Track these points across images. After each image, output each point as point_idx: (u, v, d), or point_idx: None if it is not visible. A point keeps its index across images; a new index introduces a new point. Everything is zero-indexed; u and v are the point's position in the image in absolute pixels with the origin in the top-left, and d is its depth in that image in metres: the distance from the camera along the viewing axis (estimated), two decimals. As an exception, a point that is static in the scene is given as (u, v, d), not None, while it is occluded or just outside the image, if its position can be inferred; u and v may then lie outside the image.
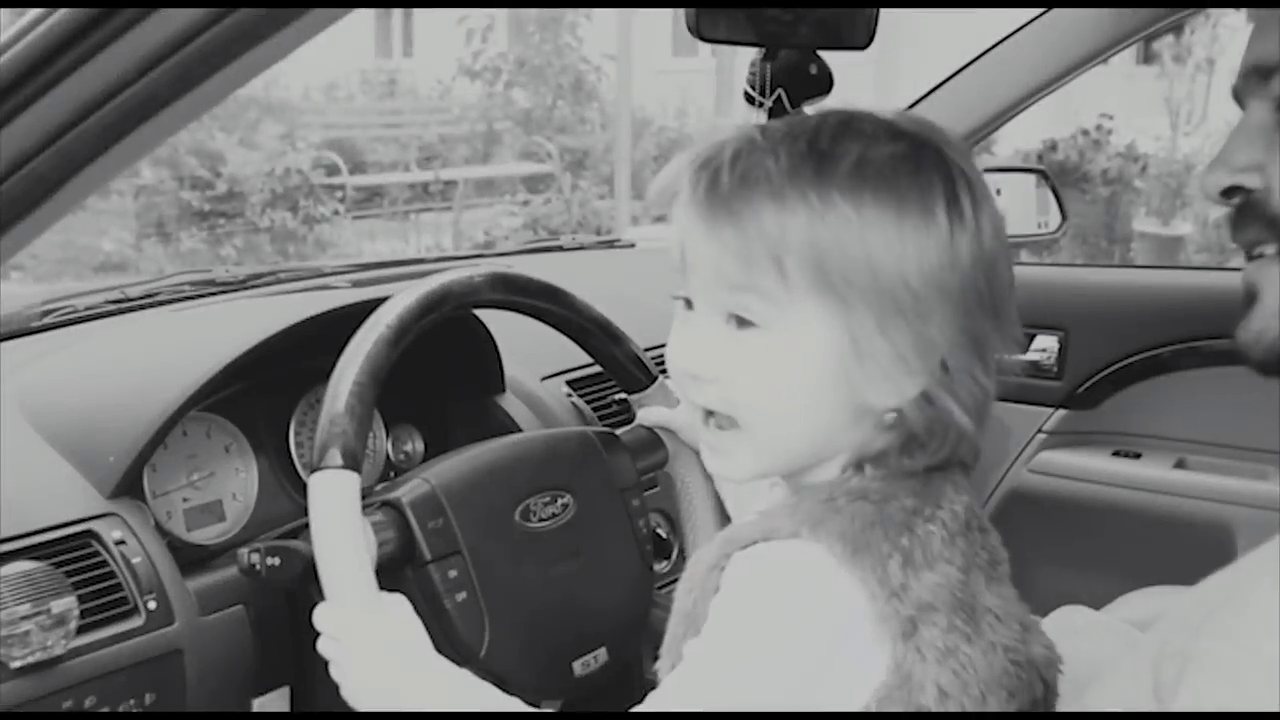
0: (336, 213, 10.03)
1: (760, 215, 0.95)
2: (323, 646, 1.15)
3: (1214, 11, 10.14)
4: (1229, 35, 10.68)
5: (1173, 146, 10.53)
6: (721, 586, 0.99)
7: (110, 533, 1.35)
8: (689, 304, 1.02)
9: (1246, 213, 1.06)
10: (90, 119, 1.00)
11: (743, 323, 0.98)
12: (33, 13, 1.01)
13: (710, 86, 14.12)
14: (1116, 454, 2.47)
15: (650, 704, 0.98)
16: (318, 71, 13.08)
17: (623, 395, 1.61)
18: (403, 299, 1.31)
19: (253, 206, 9.51)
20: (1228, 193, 1.07)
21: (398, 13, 17.01)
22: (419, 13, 16.40)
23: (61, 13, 0.98)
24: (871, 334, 0.95)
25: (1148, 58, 12.06)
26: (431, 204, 10.87)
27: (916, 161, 0.96)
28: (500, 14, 12.72)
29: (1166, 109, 10.78)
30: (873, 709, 0.95)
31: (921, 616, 0.95)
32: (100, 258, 8.50)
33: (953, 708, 0.96)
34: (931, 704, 0.95)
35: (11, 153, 1.02)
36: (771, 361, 0.97)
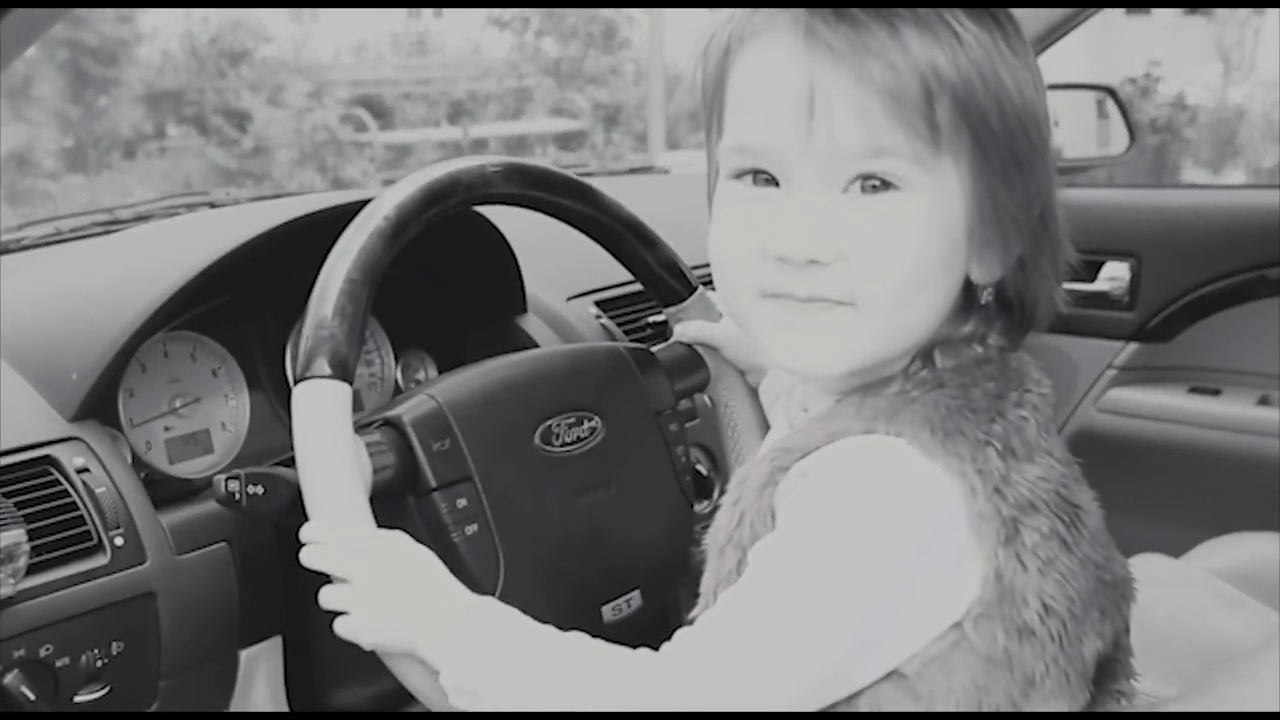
0: (365, 173, 9.90)
1: (909, 46, 0.79)
2: (312, 559, 0.98)
3: (1266, -45, 9.91)
4: (1282, -21, 10.42)
5: (1223, 95, 10.29)
6: (784, 499, 0.84)
7: (71, 459, 1.18)
8: (772, 180, 0.84)
9: None
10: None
11: (876, 187, 0.82)
12: None
13: (745, 42, 13.89)
14: (1194, 390, 2.32)
15: (703, 621, 0.85)
16: (347, 33, 12.96)
17: (657, 318, 1.43)
18: (403, 188, 1.13)
19: (280, 165, 9.40)
20: None
21: (427, -30, 16.82)
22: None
23: None
24: (999, 188, 0.82)
25: (1195, 7, 11.80)
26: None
27: None
28: (530, -37, 12.55)
29: (1218, 56, 10.54)
30: (968, 629, 0.82)
31: (1023, 518, 0.82)
32: (129, 219, 8.39)
33: (1053, 626, 0.84)
34: (1035, 621, 0.83)
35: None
36: (910, 228, 0.82)
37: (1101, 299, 2.34)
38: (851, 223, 0.82)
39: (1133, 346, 2.35)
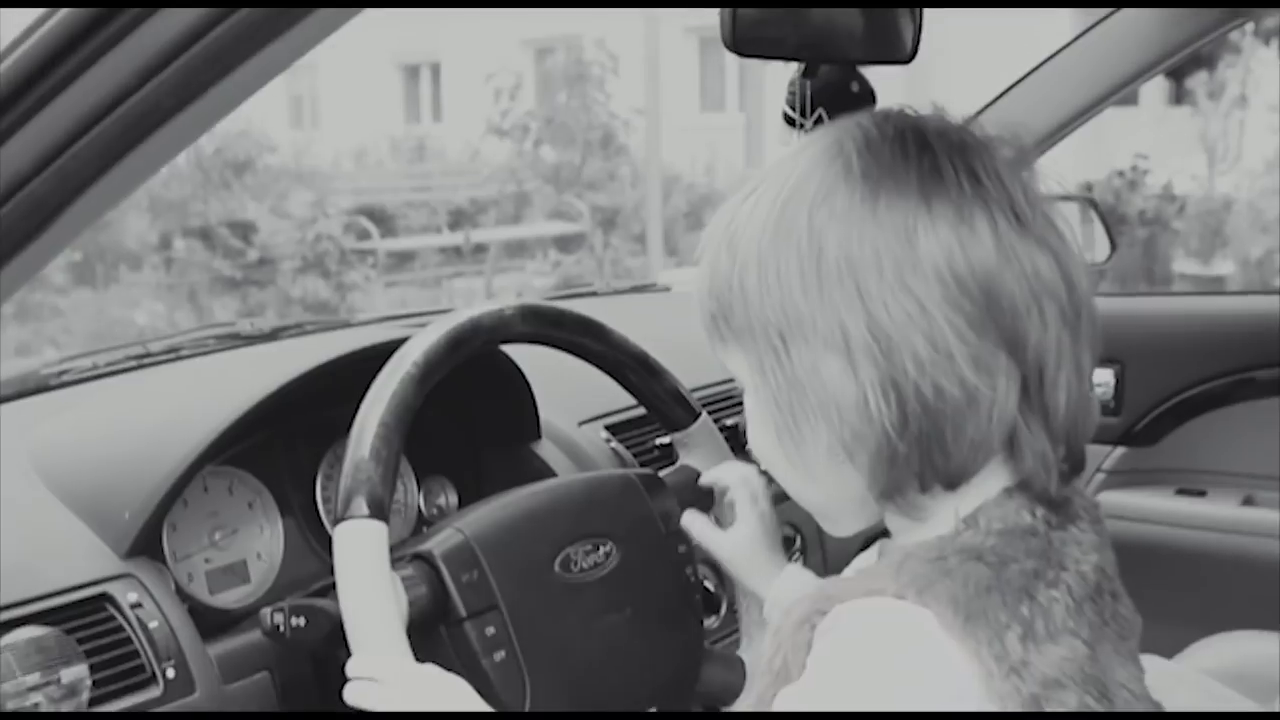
0: (368, 279, 10.05)
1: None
2: (354, 697, 1.06)
3: (1247, 47, 10.11)
4: (1262, 70, 10.62)
5: (1210, 186, 10.44)
6: (817, 641, 0.90)
7: (126, 595, 1.27)
8: None
9: None
10: (90, 134, 0.93)
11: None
12: (27, 22, 0.94)
13: (739, 142, 14.12)
14: (1180, 492, 2.40)
15: None
16: (347, 138, 13.20)
17: (665, 440, 1.52)
18: (429, 334, 1.23)
19: (284, 274, 9.54)
20: None
21: (426, 78, 17.16)
22: (447, 76, 16.53)
23: (54, 20, 0.91)
24: (767, 369, 0.96)
25: (1179, 98, 12.02)
26: (463, 267, 10.89)
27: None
28: (528, 72, 12.81)
29: (1202, 147, 10.70)
30: None
31: (1047, 694, 0.85)
32: (134, 330, 8.50)
33: None
34: None
35: (6, 176, 0.95)
36: (749, 416, 1.01)
37: (1089, 404, 2.42)
38: None
39: (1120, 450, 2.43)
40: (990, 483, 0.91)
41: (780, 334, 0.90)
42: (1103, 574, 0.91)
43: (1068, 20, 10.56)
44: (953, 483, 0.90)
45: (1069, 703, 0.85)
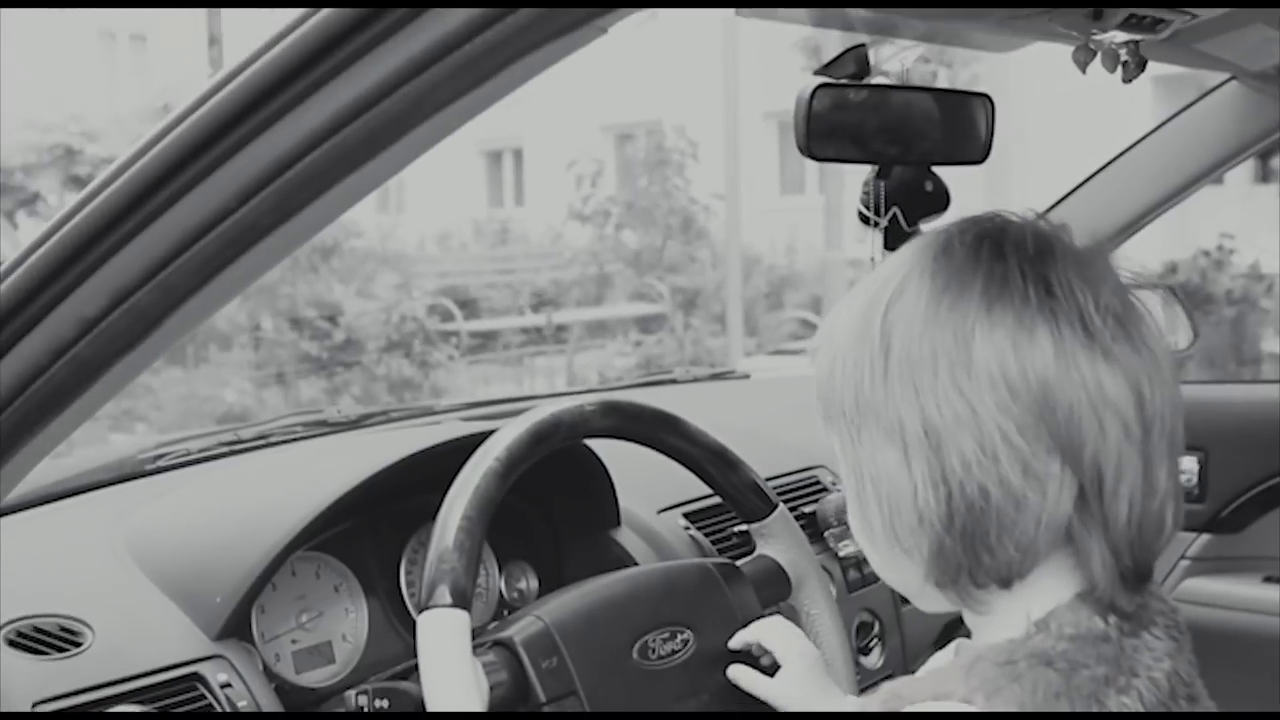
0: (451, 358, 10.17)
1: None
2: None
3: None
4: (1350, 150, 10.48)
5: (1297, 264, 10.29)
6: None
7: (216, 676, 1.31)
8: None
9: None
10: (190, 250, 0.98)
11: None
12: (134, 146, 1.01)
13: (818, 223, 14.18)
14: (1268, 580, 2.36)
15: None
16: (432, 222, 13.43)
17: (743, 526, 1.55)
18: (512, 430, 1.28)
19: (369, 354, 9.69)
20: None
21: (509, 163, 17.44)
22: (529, 161, 16.78)
23: (162, 145, 0.97)
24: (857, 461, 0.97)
25: (1265, 176, 11.90)
26: (545, 347, 10.99)
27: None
28: (609, 158, 12.97)
29: (1289, 225, 10.56)
30: None
31: None
32: (223, 408, 8.67)
33: None
34: None
35: (112, 287, 1.01)
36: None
37: (1172, 492, 2.41)
38: None
39: (1205, 538, 2.41)
40: (1060, 586, 0.92)
41: (853, 420, 0.93)
42: (1178, 679, 0.91)
43: (1149, 104, 10.55)
44: (1005, 581, 0.91)
45: None
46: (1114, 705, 0.87)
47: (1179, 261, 9.66)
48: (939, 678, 0.92)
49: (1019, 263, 0.90)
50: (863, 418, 0.92)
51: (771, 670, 1.37)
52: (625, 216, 11.68)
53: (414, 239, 12.66)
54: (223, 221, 0.97)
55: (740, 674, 1.38)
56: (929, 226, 1.55)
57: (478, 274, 11.98)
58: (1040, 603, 0.92)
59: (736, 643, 1.40)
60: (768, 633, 1.39)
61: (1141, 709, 0.88)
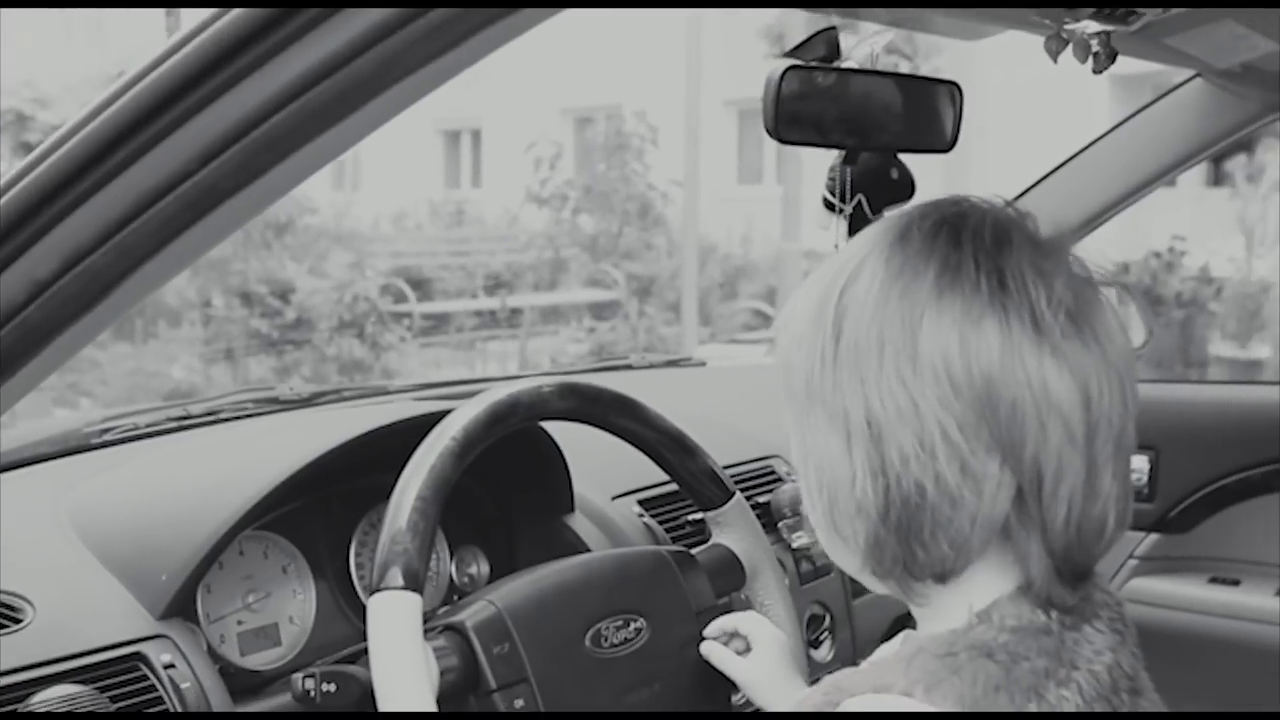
0: (403, 339, 10.12)
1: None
2: None
3: (1286, 133, 10.12)
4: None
5: (1248, 268, 10.41)
6: None
7: (159, 656, 1.28)
8: None
9: None
10: (149, 212, 0.96)
11: None
12: (91, 104, 0.98)
13: (775, 214, 14.20)
14: (1213, 581, 2.38)
15: None
16: (387, 201, 13.34)
17: (697, 515, 1.53)
18: (469, 410, 1.25)
19: (320, 334, 9.62)
20: None
21: (466, 143, 17.35)
22: (488, 143, 16.70)
23: (120, 103, 0.94)
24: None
25: (1218, 180, 12.02)
26: (498, 331, 10.96)
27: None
28: (568, 141, 12.93)
29: (1240, 229, 10.69)
30: None
31: None
32: (170, 385, 8.59)
33: None
34: None
35: (66, 249, 0.98)
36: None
37: (1122, 490, 2.43)
38: None
39: (1153, 537, 2.42)
40: (1000, 580, 0.91)
41: (803, 405, 0.93)
42: (1119, 671, 0.91)
43: (1105, 103, 10.63)
44: (940, 577, 0.90)
45: None
46: (1053, 698, 0.87)
47: (1130, 262, 9.74)
48: (880, 669, 0.91)
49: (974, 252, 0.89)
50: (811, 403, 0.92)
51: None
52: (583, 201, 11.64)
53: (369, 218, 12.56)
54: (182, 183, 0.95)
55: (712, 650, 1.38)
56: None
57: (432, 255, 11.90)
58: (981, 596, 0.91)
59: (713, 630, 1.39)
60: (742, 619, 1.38)
61: (1081, 702, 0.87)
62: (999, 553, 0.90)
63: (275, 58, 0.88)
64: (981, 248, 0.89)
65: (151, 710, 1.25)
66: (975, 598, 0.91)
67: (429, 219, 13.63)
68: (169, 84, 0.93)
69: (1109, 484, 0.89)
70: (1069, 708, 0.87)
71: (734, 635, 1.39)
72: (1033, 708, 0.86)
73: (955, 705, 0.85)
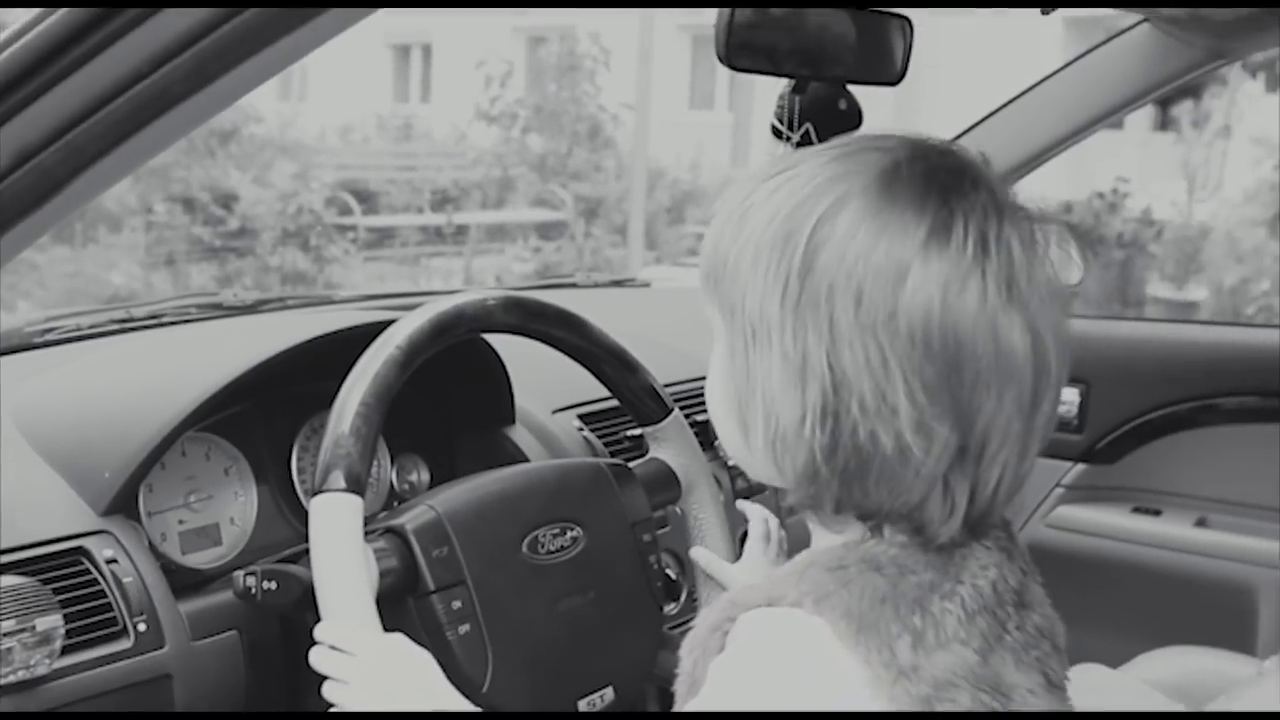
0: (347, 252, 10.05)
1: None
2: (319, 661, 1.09)
3: (1233, 79, 10.21)
4: (1248, 103, 10.72)
5: (1188, 212, 10.53)
6: (725, 649, 0.94)
7: (102, 551, 1.31)
8: None
9: None
10: (100, 113, 0.97)
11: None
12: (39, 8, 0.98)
13: (725, 140, 14.17)
14: (1136, 510, 2.46)
15: None
16: (334, 113, 13.18)
17: (636, 431, 1.56)
18: (414, 319, 1.27)
19: (264, 244, 9.54)
20: None
21: (416, 58, 17.14)
22: (438, 58, 16.50)
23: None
24: (741, 361, 0.93)
25: (1164, 124, 12.11)
26: (443, 248, 10.90)
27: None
28: (519, 60, 12.80)
29: (1184, 174, 10.79)
30: None
31: (939, 695, 0.88)
32: (109, 290, 8.49)
33: None
34: None
35: (16, 146, 0.99)
36: (711, 368, 1.00)
37: (1051, 421, 2.49)
38: None
39: (1080, 467, 2.49)
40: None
41: (752, 328, 0.91)
42: (1005, 586, 0.94)
43: (1059, 40, 10.66)
44: (865, 517, 0.93)
45: (962, 701, 0.88)
46: (937, 610, 0.90)
47: (1074, 202, 9.81)
48: (773, 582, 0.94)
49: (965, 212, 0.88)
50: (765, 329, 0.90)
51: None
52: (532, 120, 11.56)
53: (314, 129, 12.40)
54: (134, 85, 0.96)
55: (700, 555, 1.44)
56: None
57: (379, 169, 11.78)
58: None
59: (742, 506, 1.45)
60: (757, 520, 1.41)
61: (963, 615, 0.90)
62: (924, 498, 0.91)
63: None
64: (972, 209, 0.88)
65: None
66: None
67: (376, 133, 13.48)
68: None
69: (1036, 446, 0.92)
70: (951, 621, 0.90)
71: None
72: (916, 620, 0.89)
73: (842, 618, 0.88)
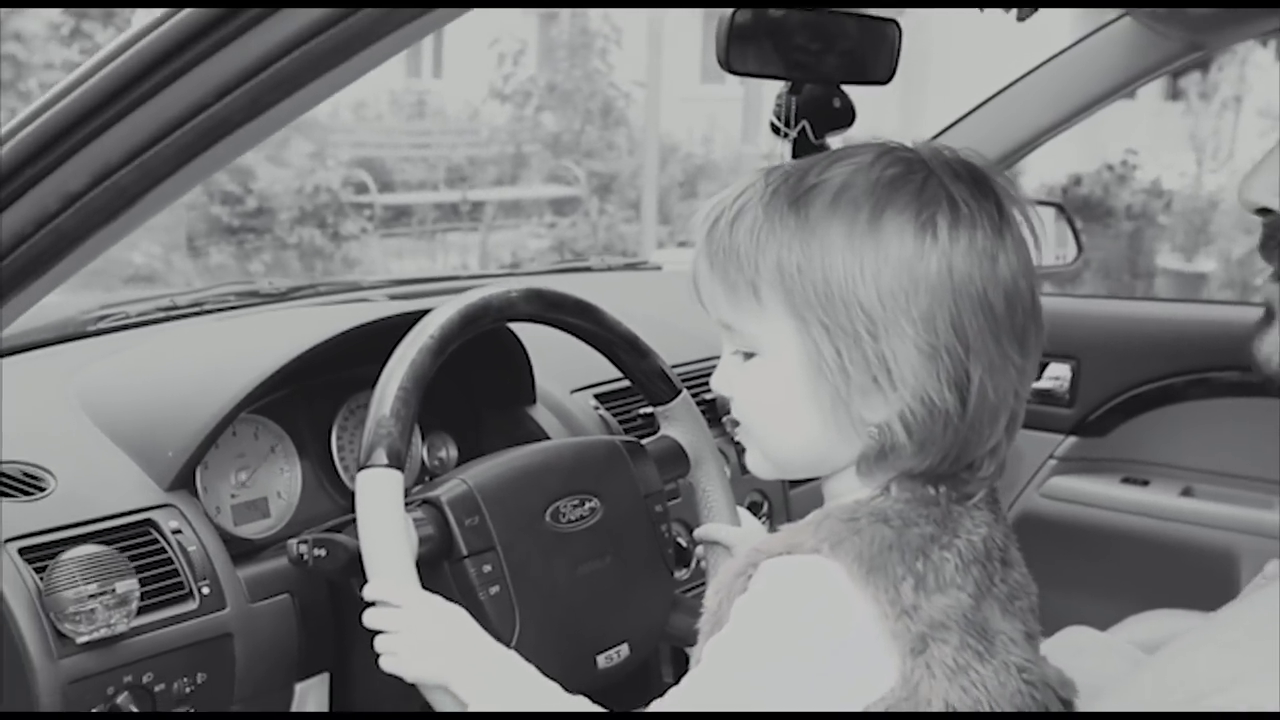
0: (364, 230, 10.14)
1: (739, 248, 1.06)
2: (372, 619, 1.22)
3: (1242, 49, 10.22)
4: (1256, 74, 10.72)
5: (1198, 183, 10.56)
6: (748, 590, 1.07)
7: (168, 522, 1.45)
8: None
9: (1275, 233, 1.13)
10: (170, 138, 1.10)
11: (747, 355, 1.09)
12: (118, 40, 1.12)
13: (737, 114, 14.22)
14: (1125, 481, 2.56)
15: (670, 697, 1.08)
16: (347, 90, 13.21)
17: (648, 409, 1.69)
18: (445, 311, 1.40)
19: (281, 223, 9.64)
20: (1261, 211, 1.13)
21: (430, 35, 17.14)
22: (450, 35, 16.52)
23: (150, 39, 1.08)
24: (828, 350, 1.03)
25: (1175, 94, 12.12)
26: (459, 224, 10.98)
27: (894, 186, 1.03)
28: (531, 38, 12.84)
29: (1192, 145, 10.81)
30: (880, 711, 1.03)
31: (933, 634, 1.02)
32: (130, 270, 8.61)
33: None
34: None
35: (97, 166, 1.12)
36: (760, 384, 1.08)
37: (1045, 395, 2.60)
38: (735, 377, 1.11)
39: (1072, 439, 2.60)
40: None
41: (869, 323, 1.02)
42: (993, 544, 1.08)
43: (1068, 33, 10.68)
44: (954, 469, 1.07)
45: (952, 641, 1.02)
46: (937, 558, 1.04)
47: (1084, 174, 9.86)
48: (793, 532, 1.08)
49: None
50: (887, 323, 1.01)
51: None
52: (546, 98, 11.63)
53: (328, 106, 12.47)
54: (199, 115, 1.09)
55: (703, 531, 1.56)
56: (836, 139, 1.70)
57: (393, 146, 11.87)
58: None
59: (700, 535, 1.56)
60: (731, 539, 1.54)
61: (959, 563, 1.04)
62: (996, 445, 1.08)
63: (281, 9, 1.03)
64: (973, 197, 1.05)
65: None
66: None
67: (389, 109, 13.54)
68: (191, 25, 1.07)
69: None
70: (949, 568, 1.04)
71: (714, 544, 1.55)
72: (919, 565, 1.03)
73: (854, 561, 1.02)
